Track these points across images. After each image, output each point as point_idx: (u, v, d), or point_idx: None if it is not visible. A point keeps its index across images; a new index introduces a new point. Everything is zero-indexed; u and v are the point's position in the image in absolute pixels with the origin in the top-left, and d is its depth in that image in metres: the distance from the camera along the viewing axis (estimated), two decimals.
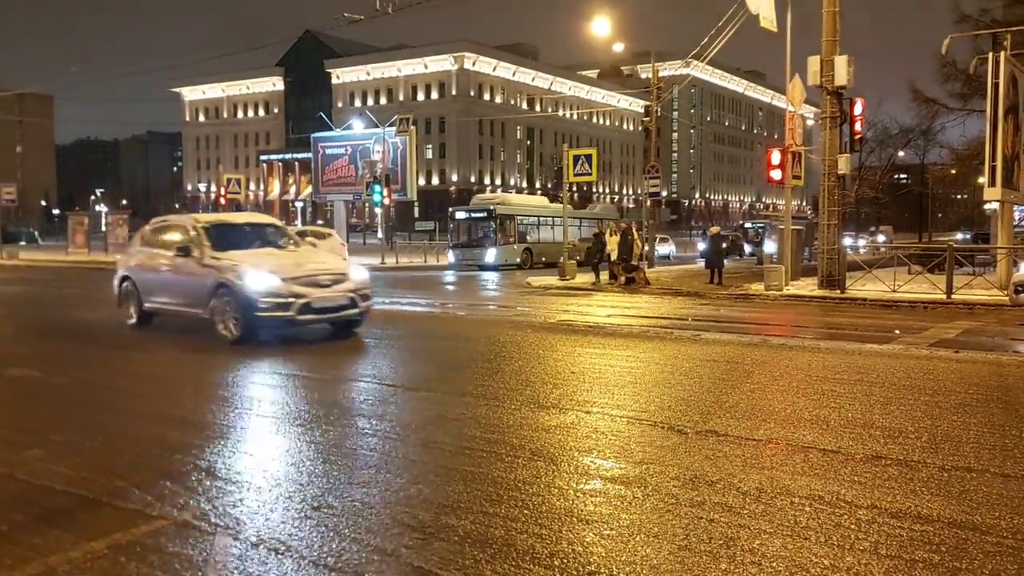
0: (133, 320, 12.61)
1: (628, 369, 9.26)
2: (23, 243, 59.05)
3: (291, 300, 10.43)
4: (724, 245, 25.59)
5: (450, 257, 35.71)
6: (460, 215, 36.87)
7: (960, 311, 16.15)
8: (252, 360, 9.65)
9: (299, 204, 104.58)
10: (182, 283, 11.54)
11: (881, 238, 61.45)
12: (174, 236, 12.22)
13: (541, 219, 38.02)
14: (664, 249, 39.39)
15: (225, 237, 11.75)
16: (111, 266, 32.44)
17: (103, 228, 46.46)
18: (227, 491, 4.79)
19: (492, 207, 35.32)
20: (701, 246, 45.72)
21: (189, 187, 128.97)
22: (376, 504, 4.60)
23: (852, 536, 4.10)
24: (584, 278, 24.60)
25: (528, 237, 36.51)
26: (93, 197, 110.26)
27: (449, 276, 30.38)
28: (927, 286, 18.47)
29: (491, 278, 29.04)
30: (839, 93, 19.77)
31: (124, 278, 12.91)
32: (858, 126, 20.59)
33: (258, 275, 10.52)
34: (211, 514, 4.41)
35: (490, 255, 34.00)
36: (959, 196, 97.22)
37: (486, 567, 3.73)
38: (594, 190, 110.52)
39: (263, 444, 6.07)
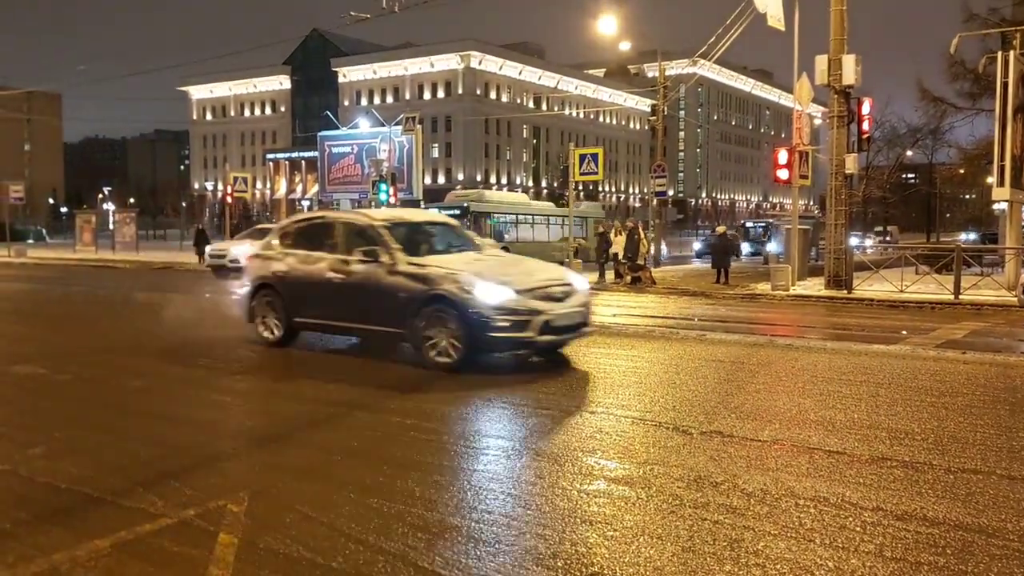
0: (274, 336, 10.39)
1: (633, 369, 9.24)
2: (31, 241, 59.35)
3: (529, 317, 8.58)
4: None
5: None
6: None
7: (968, 312, 16.08)
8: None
9: (306, 203, 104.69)
10: (364, 295, 9.44)
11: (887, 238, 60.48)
12: (341, 237, 10.13)
13: (520, 217, 36.01)
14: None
15: (412, 239, 9.86)
16: (119, 264, 32.52)
17: (111, 226, 46.59)
18: (232, 490, 4.80)
19: (466, 204, 33.34)
20: (696, 246, 45.65)
21: (196, 185, 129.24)
22: (380, 504, 4.59)
23: (857, 538, 4.08)
24: (589, 277, 24.60)
25: (506, 236, 33.76)
26: (101, 195, 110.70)
27: None
28: (934, 286, 18.41)
29: None
30: (847, 92, 19.72)
31: (261, 287, 10.58)
32: (866, 125, 20.52)
33: (490, 287, 8.62)
34: (216, 515, 4.42)
35: None
36: (967, 196, 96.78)
37: (489, 567, 3.73)
38: (600, 189, 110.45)
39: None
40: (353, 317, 9.72)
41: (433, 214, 13.77)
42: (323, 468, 5.31)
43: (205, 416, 6.76)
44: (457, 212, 32.74)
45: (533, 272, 9.45)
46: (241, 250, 25.36)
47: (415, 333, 8.92)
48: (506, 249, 33.43)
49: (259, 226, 32.33)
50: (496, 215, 34.30)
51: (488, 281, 8.70)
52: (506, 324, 8.50)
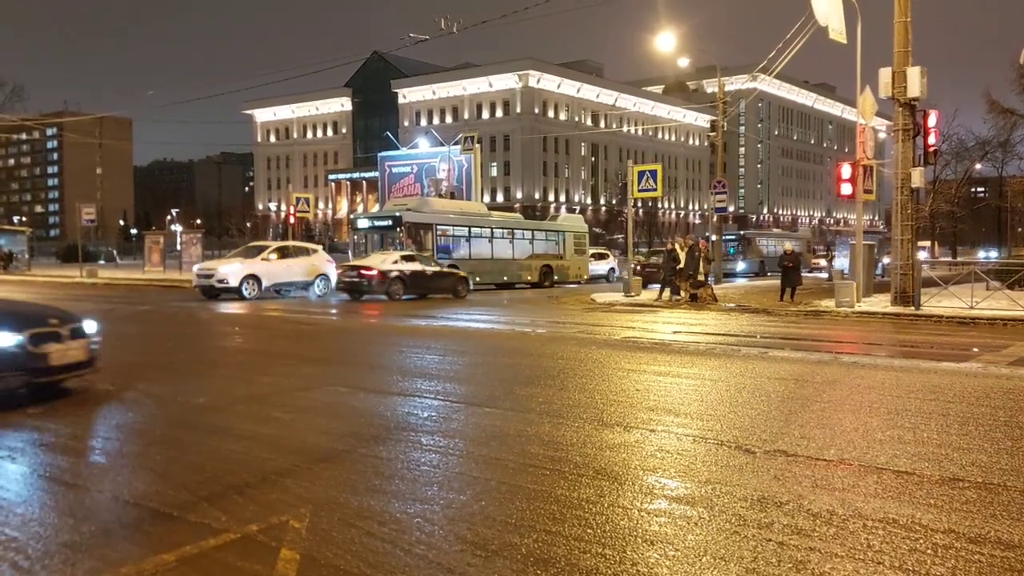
0: None
1: (694, 387, 9.12)
2: (102, 262, 61.27)
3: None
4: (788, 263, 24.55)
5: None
6: (362, 224, 31.00)
7: None
8: None
9: None
10: None
11: (922, 255, 54.34)
12: None
13: (474, 230, 31.65)
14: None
15: None
16: (185, 284, 33.30)
17: (178, 247, 47.81)
18: (293, 506, 4.85)
19: (398, 214, 29.31)
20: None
21: (260, 206, 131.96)
22: (439, 521, 4.59)
23: (928, 561, 3.95)
24: (648, 295, 24.53)
25: (455, 253, 30.37)
26: (169, 217, 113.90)
27: (508, 293, 30.31)
28: (1006, 303, 17.84)
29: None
30: (912, 105, 19.29)
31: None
32: (932, 138, 20.05)
33: None
34: (278, 530, 4.47)
35: None
36: None
37: None
38: (659, 206, 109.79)
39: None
40: None
41: None
42: (383, 484, 5.33)
43: (267, 432, 6.86)
44: (388, 224, 29.43)
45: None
46: (230, 269, 25.14)
47: None
48: (454, 267, 29.04)
49: (251, 244, 31.80)
50: (440, 227, 30.29)
51: None
52: None
